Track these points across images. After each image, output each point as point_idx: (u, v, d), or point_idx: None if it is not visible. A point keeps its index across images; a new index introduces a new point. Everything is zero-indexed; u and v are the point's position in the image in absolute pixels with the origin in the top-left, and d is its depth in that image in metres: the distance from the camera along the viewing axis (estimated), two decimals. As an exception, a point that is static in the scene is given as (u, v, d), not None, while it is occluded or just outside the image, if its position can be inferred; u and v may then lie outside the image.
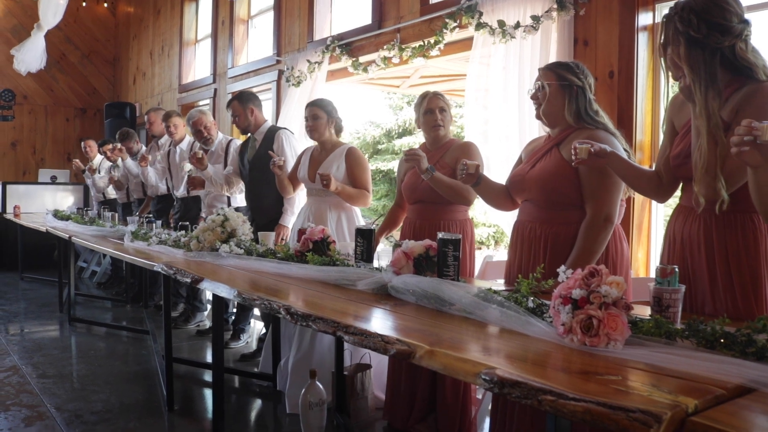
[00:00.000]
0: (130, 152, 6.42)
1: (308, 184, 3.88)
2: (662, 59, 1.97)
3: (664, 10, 3.34)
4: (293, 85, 5.57)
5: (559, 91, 2.44)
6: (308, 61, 5.43)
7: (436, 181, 3.02)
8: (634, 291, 2.35)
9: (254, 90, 6.82)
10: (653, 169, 2.23)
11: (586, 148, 2.09)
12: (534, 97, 2.53)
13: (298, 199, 4.43)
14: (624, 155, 2.27)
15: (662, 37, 1.94)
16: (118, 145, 6.40)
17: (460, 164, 2.64)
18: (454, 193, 3.07)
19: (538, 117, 2.55)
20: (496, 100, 3.81)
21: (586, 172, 2.35)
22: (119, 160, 6.57)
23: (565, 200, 2.41)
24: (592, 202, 2.35)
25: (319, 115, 3.83)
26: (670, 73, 1.98)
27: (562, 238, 2.40)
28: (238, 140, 5.14)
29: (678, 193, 2.15)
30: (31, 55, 8.68)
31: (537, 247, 2.45)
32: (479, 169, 2.64)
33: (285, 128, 4.69)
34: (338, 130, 3.91)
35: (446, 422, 3.04)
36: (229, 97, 6.97)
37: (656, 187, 2.18)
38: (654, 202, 3.34)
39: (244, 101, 4.52)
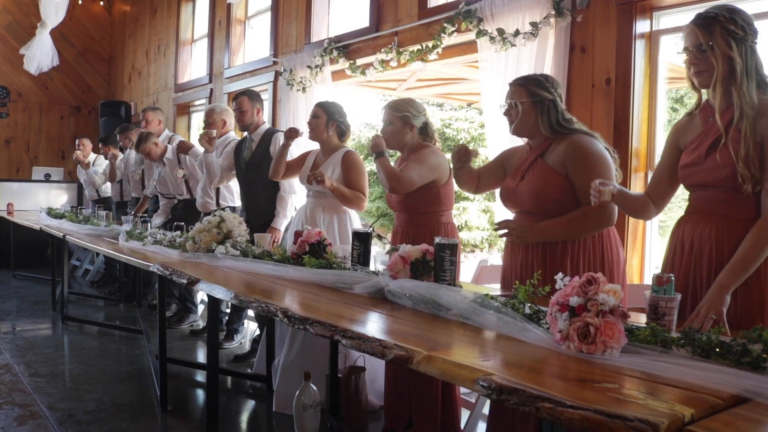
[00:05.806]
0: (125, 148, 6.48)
1: (306, 186, 3.87)
2: (691, 63, 1.99)
3: (662, 18, 3.36)
4: (299, 91, 5.53)
5: (531, 108, 2.46)
6: (309, 67, 5.42)
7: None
8: (629, 298, 2.37)
9: (250, 91, 6.83)
10: (643, 193, 2.31)
11: (609, 190, 2.11)
12: (507, 113, 2.55)
13: (291, 202, 4.43)
14: (606, 154, 2.41)
15: (703, 38, 1.93)
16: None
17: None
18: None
19: (512, 133, 2.57)
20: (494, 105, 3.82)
21: (577, 177, 2.39)
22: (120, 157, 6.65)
23: (559, 207, 2.43)
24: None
25: (318, 114, 3.80)
26: (694, 81, 2.01)
27: (560, 244, 2.42)
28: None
29: (679, 203, 2.18)
30: (41, 54, 8.63)
31: (534, 253, 2.46)
32: (471, 156, 2.67)
33: (282, 131, 4.68)
34: (341, 134, 3.83)
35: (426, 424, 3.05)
36: (225, 97, 6.97)
37: (644, 207, 2.26)
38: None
39: (253, 99, 4.49)
